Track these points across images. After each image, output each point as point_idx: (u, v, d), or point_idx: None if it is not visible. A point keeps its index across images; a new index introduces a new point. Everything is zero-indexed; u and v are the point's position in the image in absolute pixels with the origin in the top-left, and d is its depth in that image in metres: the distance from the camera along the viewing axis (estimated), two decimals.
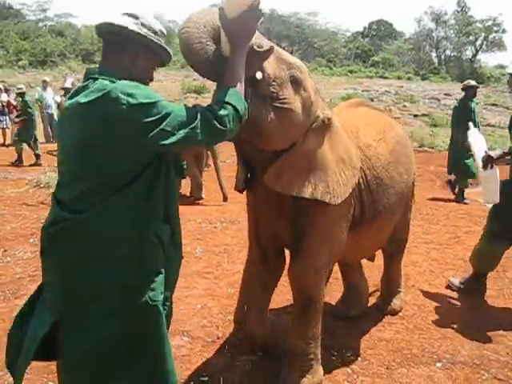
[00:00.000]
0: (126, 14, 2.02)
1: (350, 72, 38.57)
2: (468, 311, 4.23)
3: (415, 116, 22.73)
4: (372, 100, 23.95)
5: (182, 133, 1.82)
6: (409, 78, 36.18)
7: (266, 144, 2.51)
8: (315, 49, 52.76)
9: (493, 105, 25.71)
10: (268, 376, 3.15)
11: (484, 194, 4.32)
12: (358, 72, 39.06)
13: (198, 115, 1.86)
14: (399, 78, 37.00)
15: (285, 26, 54.37)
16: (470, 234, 6.40)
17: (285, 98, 2.39)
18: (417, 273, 5.05)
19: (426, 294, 4.54)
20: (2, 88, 14.54)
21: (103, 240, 1.88)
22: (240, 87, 2.01)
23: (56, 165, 2.08)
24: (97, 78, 1.91)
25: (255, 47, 2.13)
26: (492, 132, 18.17)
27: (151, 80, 2.15)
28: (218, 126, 1.87)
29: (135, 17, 2.02)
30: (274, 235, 3.05)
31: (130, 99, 1.79)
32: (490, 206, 4.36)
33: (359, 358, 3.44)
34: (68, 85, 12.10)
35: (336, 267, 3.92)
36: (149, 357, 1.97)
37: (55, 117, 14.05)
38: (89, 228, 1.88)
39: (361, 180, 3.01)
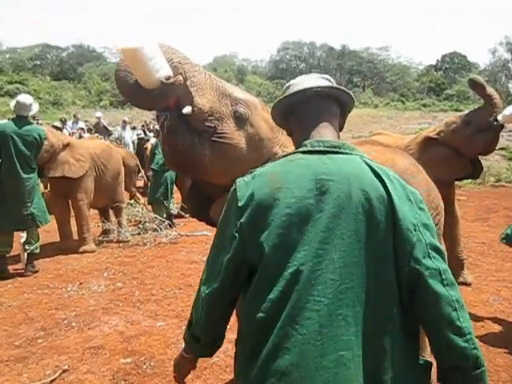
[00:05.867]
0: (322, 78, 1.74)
1: (424, 106, 37.88)
2: None
3: None
4: None
5: None
6: None
7: (206, 178, 2.48)
8: (387, 83, 52.37)
9: None
10: None
11: None
12: (432, 106, 38.32)
13: None
14: None
15: (356, 61, 54.44)
16: None
17: (223, 133, 2.36)
18: (486, 312, 4.88)
19: (495, 335, 4.38)
20: (85, 128, 15.44)
21: None
22: None
23: None
24: (348, 153, 1.56)
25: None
26: None
27: None
28: None
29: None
30: None
31: None
32: None
33: None
34: None
35: None
36: None
37: None
38: None
39: None
